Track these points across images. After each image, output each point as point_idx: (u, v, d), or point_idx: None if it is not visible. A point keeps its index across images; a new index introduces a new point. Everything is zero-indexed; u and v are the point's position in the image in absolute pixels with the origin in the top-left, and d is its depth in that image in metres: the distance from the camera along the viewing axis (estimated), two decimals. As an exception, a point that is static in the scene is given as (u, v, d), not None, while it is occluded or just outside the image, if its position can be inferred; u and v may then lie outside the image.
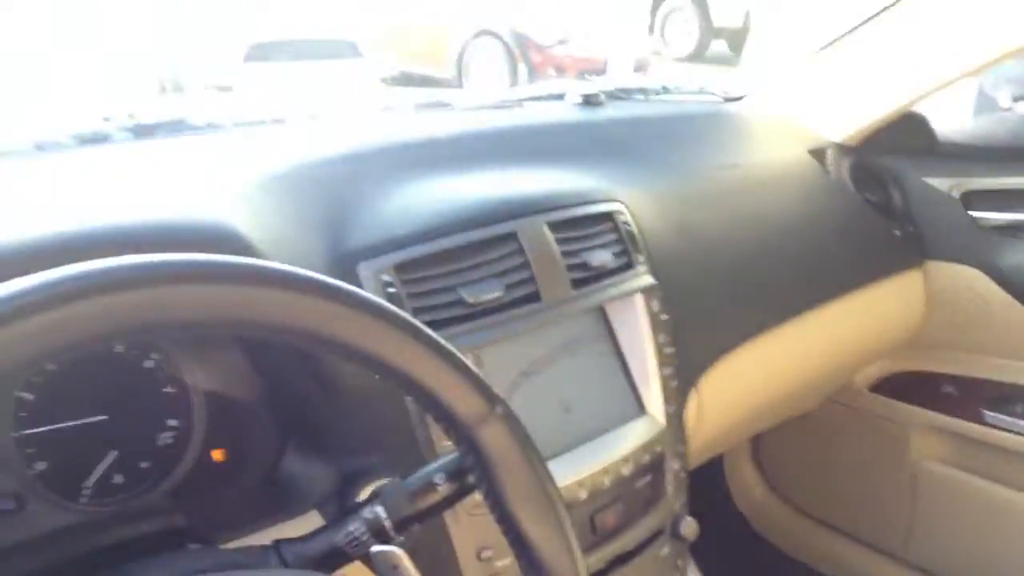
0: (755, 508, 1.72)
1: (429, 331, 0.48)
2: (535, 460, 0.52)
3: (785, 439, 1.63)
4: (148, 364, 0.75)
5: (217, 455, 0.78)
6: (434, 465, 0.60)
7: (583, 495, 0.82)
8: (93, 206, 0.71)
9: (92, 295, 0.39)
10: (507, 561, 0.77)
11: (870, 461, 1.50)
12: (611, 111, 1.32)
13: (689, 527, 0.91)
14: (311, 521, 0.72)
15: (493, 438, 0.51)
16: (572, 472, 0.81)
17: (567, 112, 1.29)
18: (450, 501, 0.60)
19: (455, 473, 0.60)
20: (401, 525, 0.60)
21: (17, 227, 0.64)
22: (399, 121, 1.21)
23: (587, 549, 0.83)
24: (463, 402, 0.50)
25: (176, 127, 1.07)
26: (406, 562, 0.56)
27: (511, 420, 0.51)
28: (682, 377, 0.95)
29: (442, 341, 0.49)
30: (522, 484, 0.51)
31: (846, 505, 1.58)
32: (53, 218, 0.66)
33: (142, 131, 1.04)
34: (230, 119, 1.14)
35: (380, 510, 0.59)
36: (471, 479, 0.61)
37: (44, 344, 0.38)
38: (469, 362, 0.50)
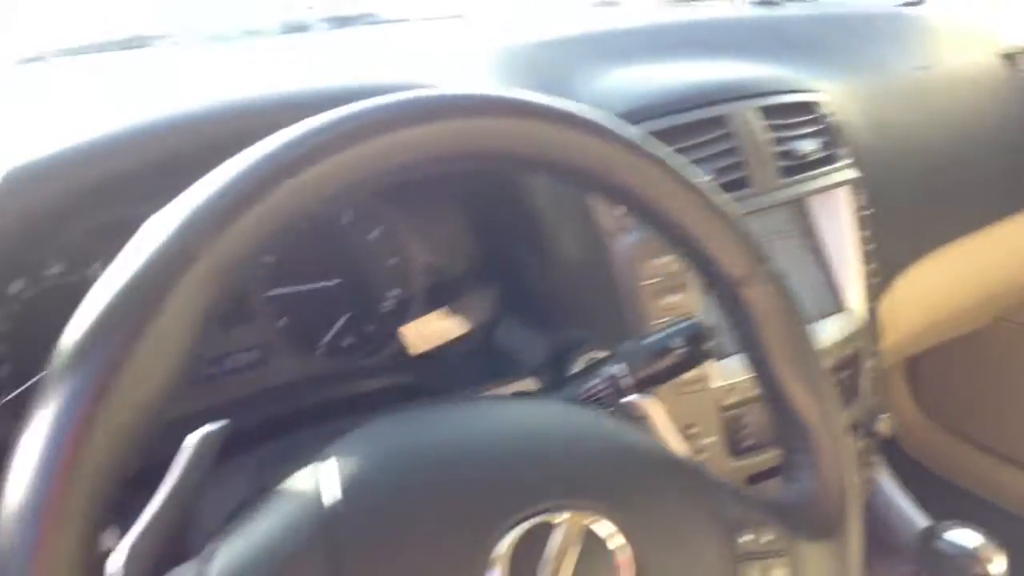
0: (905, 427, 1.69)
1: (705, 183, 0.49)
2: (800, 321, 0.52)
3: (941, 357, 1.58)
4: (373, 236, 0.79)
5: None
6: (673, 329, 0.62)
7: (785, 383, 0.82)
8: (325, 74, 0.74)
9: (403, 125, 0.40)
10: (713, 439, 0.79)
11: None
12: (788, 11, 1.27)
13: (884, 424, 0.91)
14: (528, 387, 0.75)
15: (761, 296, 0.51)
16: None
17: (744, 11, 1.25)
18: (686, 365, 0.62)
19: (693, 338, 0.61)
20: (640, 384, 0.62)
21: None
22: (578, 17, 1.20)
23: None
24: (732, 258, 0.50)
25: (370, 18, 1.10)
26: (656, 412, 0.57)
27: (779, 279, 0.51)
28: (879, 277, 0.93)
29: (716, 194, 0.49)
30: (787, 344, 0.51)
31: (1004, 427, 1.53)
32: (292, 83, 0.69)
33: (340, 22, 1.08)
34: (416, 13, 1.16)
35: (620, 368, 0.61)
36: (708, 346, 0.63)
37: (348, 178, 0.40)
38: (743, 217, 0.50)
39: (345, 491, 0.40)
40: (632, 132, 0.47)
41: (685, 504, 0.47)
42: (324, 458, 0.42)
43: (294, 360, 0.75)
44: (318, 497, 0.40)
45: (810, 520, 0.51)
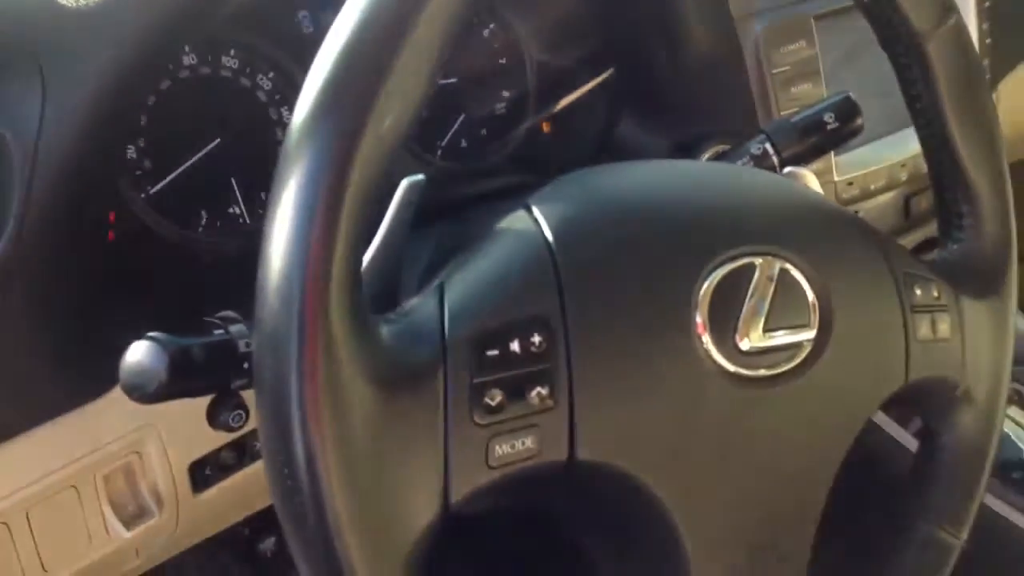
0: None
1: None
2: (983, 80, 0.51)
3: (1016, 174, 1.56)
4: (486, 33, 0.77)
5: (547, 126, 0.81)
6: (824, 104, 0.61)
7: (903, 176, 0.82)
8: None
9: None
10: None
11: None
12: None
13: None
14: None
15: (945, 49, 0.49)
16: (894, 153, 0.81)
17: None
18: (837, 140, 0.61)
19: (845, 113, 0.60)
20: (784, 163, 0.61)
21: None
22: None
23: (899, 231, 0.84)
24: (922, 7, 0.48)
25: None
26: (815, 183, 0.57)
27: (964, 32, 0.50)
28: (988, 75, 0.91)
29: None
30: (966, 101, 0.50)
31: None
32: None
33: None
34: None
35: (768, 145, 0.61)
36: (858, 121, 0.62)
37: None
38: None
39: (561, 231, 0.41)
40: None
41: (867, 256, 0.47)
42: (535, 203, 0.43)
43: (415, 160, 0.75)
44: (540, 234, 0.41)
45: (972, 277, 0.52)
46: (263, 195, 0.68)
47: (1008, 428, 0.86)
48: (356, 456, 0.34)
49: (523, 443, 0.37)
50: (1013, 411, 0.89)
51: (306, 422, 0.33)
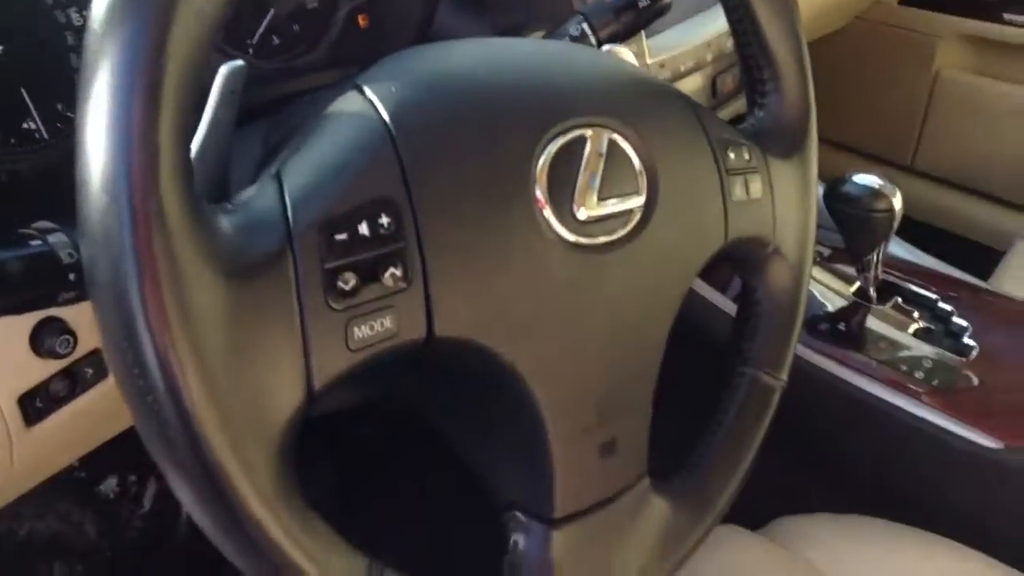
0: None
1: None
2: None
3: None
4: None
5: (363, 20, 0.78)
6: (637, -16, 0.63)
7: (709, 56, 0.86)
8: None
9: None
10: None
11: (891, 76, 1.57)
12: None
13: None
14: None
15: None
16: (700, 33, 0.84)
17: None
18: (649, 17, 0.63)
19: (656, -8, 0.62)
20: (605, 41, 0.63)
21: None
22: None
23: (711, 107, 0.89)
24: None
25: None
26: (631, 59, 0.59)
27: None
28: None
29: None
30: None
31: (859, 123, 1.66)
32: None
33: None
34: None
35: (586, 26, 0.62)
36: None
37: None
38: None
39: (398, 110, 0.40)
40: None
41: (686, 125, 0.50)
42: (366, 84, 0.42)
43: (227, 61, 0.71)
44: (377, 114, 0.40)
45: (778, 139, 0.56)
46: (60, 106, 0.62)
47: (812, 287, 0.95)
48: (210, 352, 0.33)
49: (381, 324, 0.38)
50: (815, 271, 0.98)
51: (151, 320, 0.32)
